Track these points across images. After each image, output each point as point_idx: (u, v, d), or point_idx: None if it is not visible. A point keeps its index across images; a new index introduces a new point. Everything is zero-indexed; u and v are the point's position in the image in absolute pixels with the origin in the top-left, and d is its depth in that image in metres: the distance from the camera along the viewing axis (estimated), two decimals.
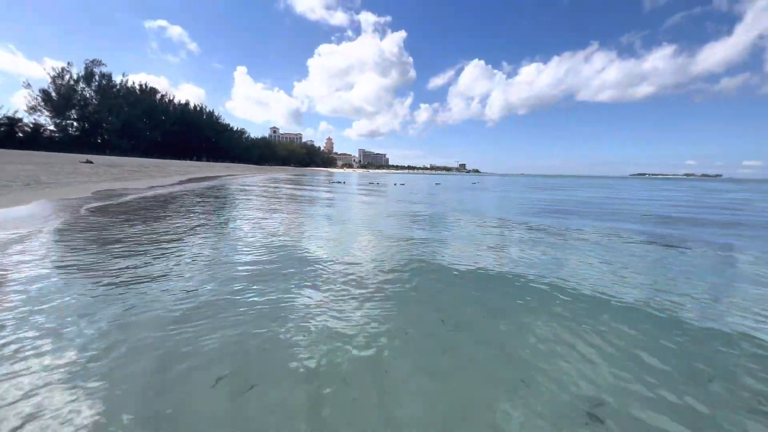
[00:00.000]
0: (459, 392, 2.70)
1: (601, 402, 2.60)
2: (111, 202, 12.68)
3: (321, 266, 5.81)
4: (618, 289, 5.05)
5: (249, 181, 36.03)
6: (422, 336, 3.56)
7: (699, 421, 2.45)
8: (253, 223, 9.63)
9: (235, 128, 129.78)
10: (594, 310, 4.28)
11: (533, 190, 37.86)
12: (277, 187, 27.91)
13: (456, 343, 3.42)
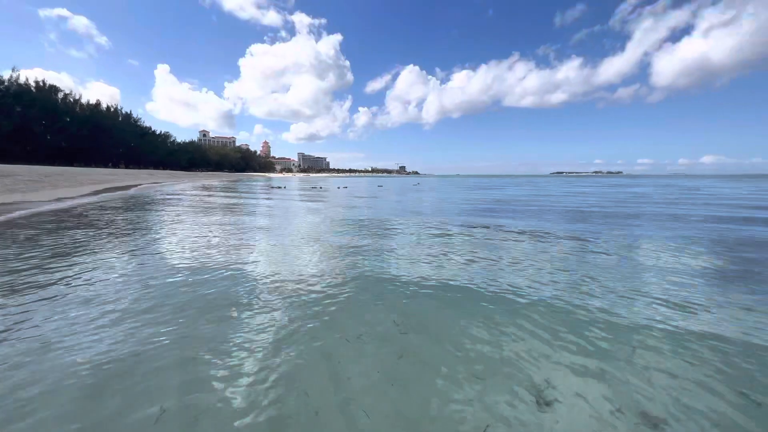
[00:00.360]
0: (418, 391, 2.78)
1: (548, 386, 2.87)
2: None
3: (263, 285, 5.54)
4: (548, 286, 5.58)
5: (176, 190, 32.69)
6: (378, 341, 3.59)
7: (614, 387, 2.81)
8: (179, 242, 8.17)
9: (158, 132, 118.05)
10: (530, 307, 4.69)
11: (470, 189, 40.19)
12: (210, 195, 25.99)
13: (410, 347, 3.51)
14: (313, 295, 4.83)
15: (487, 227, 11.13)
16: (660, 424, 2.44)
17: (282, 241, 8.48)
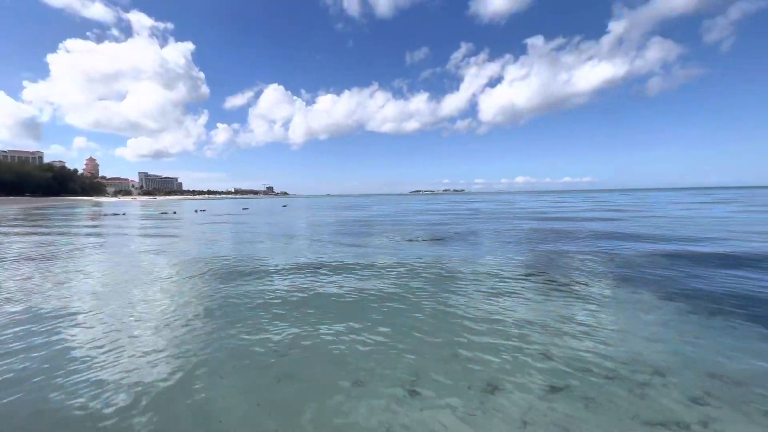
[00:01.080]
0: (305, 404, 2.75)
1: (418, 377, 3.24)
2: None
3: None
4: (409, 291, 6.29)
5: None
6: (256, 370, 3.39)
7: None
8: None
9: None
10: (401, 310, 5.19)
11: (339, 209, 41.20)
12: None
13: (289, 367, 3.44)
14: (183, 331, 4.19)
15: (358, 246, 11.71)
16: (497, 387, 3.07)
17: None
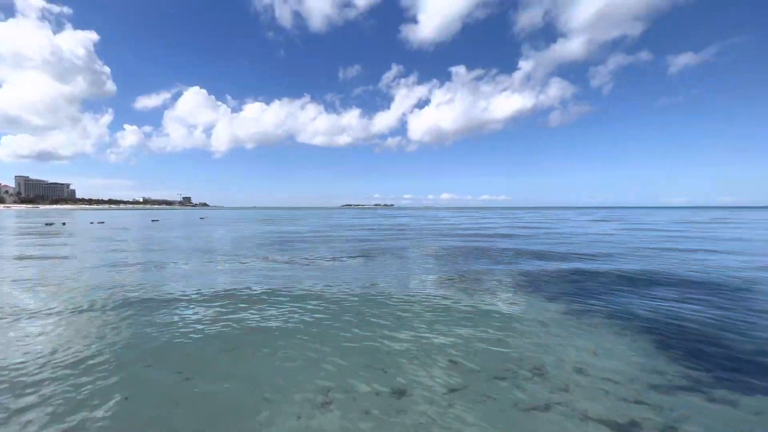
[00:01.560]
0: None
1: (329, 390, 3.36)
2: None
3: None
4: (332, 299, 6.41)
5: None
6: (160, 396, 3.19)
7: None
8: None
9: None
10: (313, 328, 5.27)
11: (265, 223, 39.27)
12: None
13: (194, 389, 3.31)
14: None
15: (289, 262, 11.44)
16: (405, 392, 3.35)
17: None
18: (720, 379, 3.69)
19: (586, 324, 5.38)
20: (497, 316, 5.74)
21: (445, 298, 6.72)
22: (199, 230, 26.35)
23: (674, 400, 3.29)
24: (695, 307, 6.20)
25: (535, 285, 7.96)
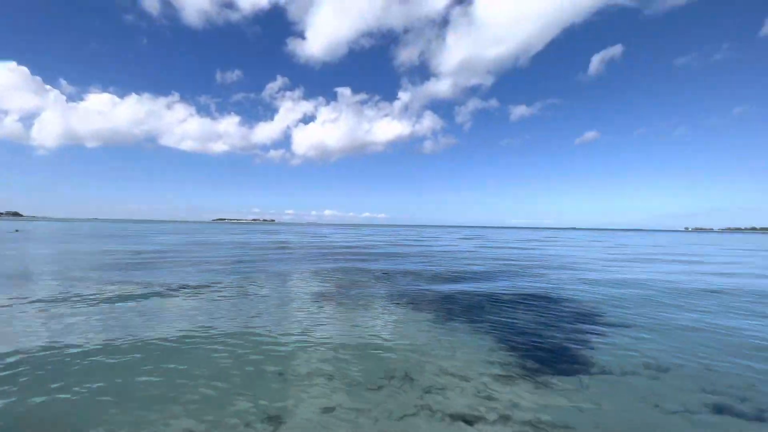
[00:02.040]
0: None
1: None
2: None
3: None
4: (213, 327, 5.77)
5: None
6: None
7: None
8: None
9: None
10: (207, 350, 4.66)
11: (100, 238, 31.86)
12: None
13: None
14: None
15: (152, 284, 9.69)
16: (280, 417, 3.24)
17: None
18: (542, 367, 4.74)
19: (448, 329, 6.18)
20: (372, 332, 6.08)
21: (318, 313, 6.77)
22: (9, 247, 19.96)
23: (512, 389, 4.07)
24: (527, 313, 7.81)
25: (410, 300, 8.73)
